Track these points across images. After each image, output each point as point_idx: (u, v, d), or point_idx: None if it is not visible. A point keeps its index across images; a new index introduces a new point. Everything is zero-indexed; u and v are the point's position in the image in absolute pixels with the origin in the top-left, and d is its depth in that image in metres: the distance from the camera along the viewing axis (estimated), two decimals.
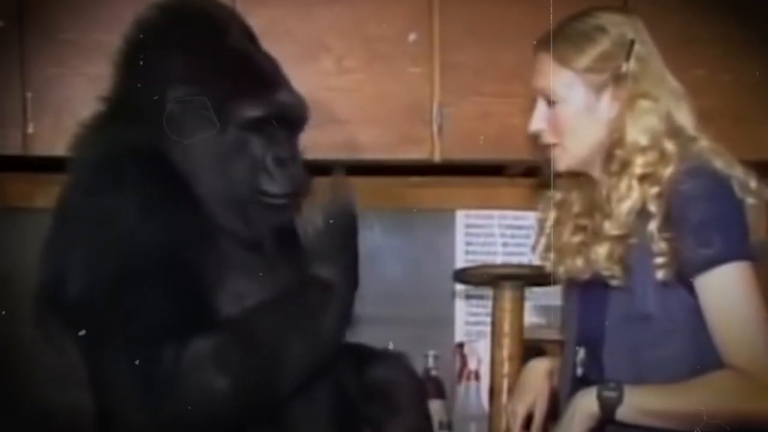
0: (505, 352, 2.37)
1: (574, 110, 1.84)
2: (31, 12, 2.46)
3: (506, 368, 2.36)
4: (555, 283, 2.61)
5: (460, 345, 2.83)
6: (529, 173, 2.82)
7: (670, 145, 1.79)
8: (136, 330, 1.57)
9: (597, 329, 1.84)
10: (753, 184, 1.80)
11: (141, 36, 1.80)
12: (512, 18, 2.54)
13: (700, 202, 1.72)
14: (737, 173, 1.79)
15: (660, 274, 1.75)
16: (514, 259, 2.83)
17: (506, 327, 2.39)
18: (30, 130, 2.45)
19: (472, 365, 2.76)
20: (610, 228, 1.79)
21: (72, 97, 2.44)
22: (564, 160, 1.88)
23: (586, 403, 1.77)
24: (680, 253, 1.72)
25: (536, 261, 2.04)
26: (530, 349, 2.53)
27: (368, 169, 2.54)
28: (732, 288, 1.72)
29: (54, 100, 2.46)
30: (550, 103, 1.86)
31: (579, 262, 1.85)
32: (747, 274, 1.72)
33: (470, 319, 2.87)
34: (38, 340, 1.74)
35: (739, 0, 2.64)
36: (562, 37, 1.84)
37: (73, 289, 1.63)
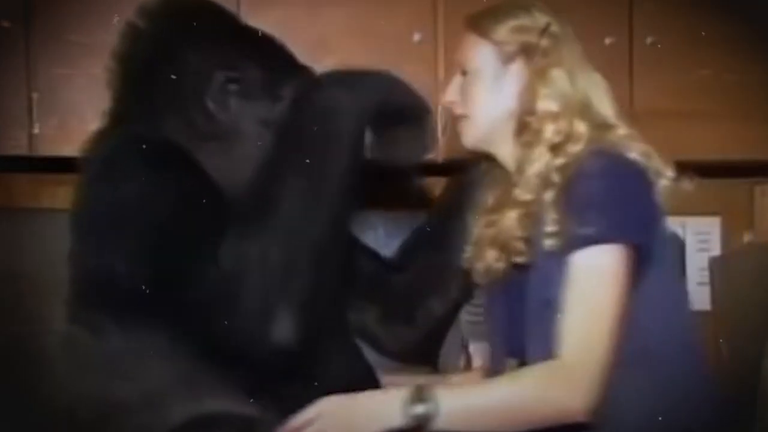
0: None
1: (483, 81, 1.84)
2: (37, 13, 2.47)
3: None
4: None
5: (465, 344, 2.83)
6: None
7: (581, 126, 1.76)
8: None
9: (521, 330, 1.75)
10: (669, 174, 1.78)
11: (147, 35, 1.82)
12: None
13: (591, 180, 1.67)
14: (653, 164, 1.77)
15: (548, 243, 1.68)
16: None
17: None
18: (36, 130, 2.46)
19: (476, 364, 2.76)
20: (519, 194, 1.76)
21: (78, 97, 2.45)
22: (470, 132, 1.88)
23: (387, 412, 1.63)
24: (565, 229, 1.67)
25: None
26: None
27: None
28: (594, 271, 1.63)
29: (60, 101, 2.47)
30: (464, 75, 1.88)
31: (493, 253, 1.82)
32: (619, 259, 1.64)
33: (475, 318, 2.86)
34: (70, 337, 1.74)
35: (744, 0, 2.64)
36: (487, 13, 1.86)
37: (129, 279, 1.64)
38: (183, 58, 1.80)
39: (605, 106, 1.82)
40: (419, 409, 1.61)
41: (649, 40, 2.63)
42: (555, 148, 1.75)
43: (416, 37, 2.53)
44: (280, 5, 2.48)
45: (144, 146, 1.72)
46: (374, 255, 2.06)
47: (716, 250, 2.96)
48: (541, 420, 1.62)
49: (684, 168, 2.78)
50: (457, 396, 1.64)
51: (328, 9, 2.50)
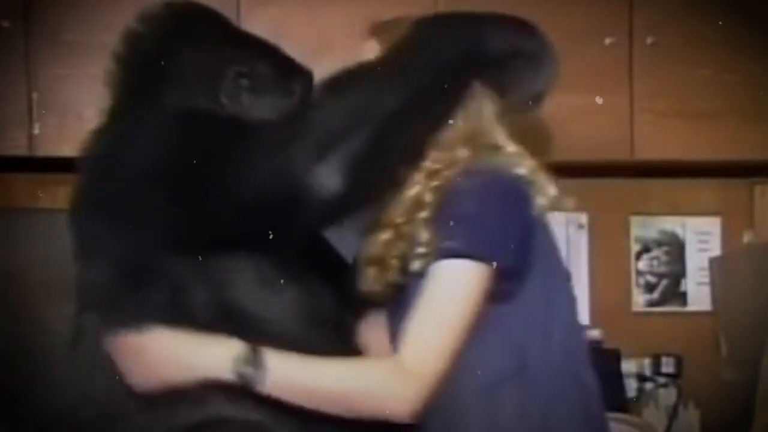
0: None
1: None
2: (37, 13, 2.47)
3: None
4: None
5: None
6: None
7: (464, 152, 1.73)
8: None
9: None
10: (552, 191, 1.73)
11: (151, 38, 1.83)
12: None
13: (462, 198, 1.65)
14: (538, 181, 1.72)
15: (417, 264, 1.68)
16: None
17: None
18: (35, 130, 2.46)
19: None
20: (392, 215, 1.74)
21: (77, 97, 2.45)
22: None
23: (215, 364, 1.61)
24: (433, 246, 1.65)
25: None
26: None
27: None
28: (449, 283, 1.62)
29: (59, 101, 2.47)
30: None
31: (372, 271, 1.78)
32: (477, 276, 1.62)
33: None
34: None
35: (744, 1, 2.64)
36: (392, 27, 1.83)
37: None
38: (190, 57, 1.81)
39: (494, 130, 1.77)
40: (246, 370, 1.60)
41: (649, 40, 2.63)
42: (432, 174, 1.73)
43: None
44: (279, 5, 2.48)
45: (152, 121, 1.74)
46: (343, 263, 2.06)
47: (716, 250, 2.97)
48: (364, 411, 1.62)
49: (684, 168, 2.81)
50: (289, 368, 1.62)
51: (327, 9, 2.50)
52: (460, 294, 1.63)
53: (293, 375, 1.62)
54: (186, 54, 1.81)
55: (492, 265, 1.63)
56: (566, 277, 1.76)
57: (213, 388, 1.63)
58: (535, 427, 1.67)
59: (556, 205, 1.74)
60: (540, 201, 1.71)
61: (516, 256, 1.65)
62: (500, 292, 1.65)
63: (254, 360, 1.60)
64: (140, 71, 1.84)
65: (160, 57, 1.82)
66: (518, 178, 1.70)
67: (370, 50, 1.83)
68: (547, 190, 1.73)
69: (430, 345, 1.62)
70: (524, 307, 1.68)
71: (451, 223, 1.64)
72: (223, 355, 1.61)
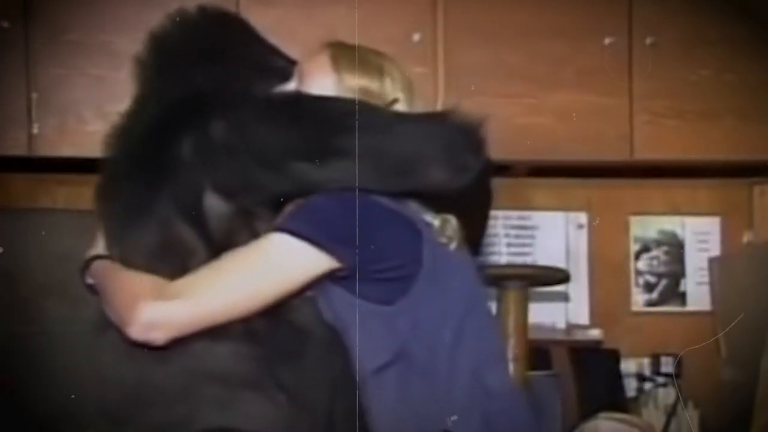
0: (510, 353, 2.37)
1: None
2: (36, 13, 2.47)
3: (511, 369, 2.36)
4: (560, 282, 2.62)
5: None
6: (534, 173, 2.83)
7: None
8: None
9: None
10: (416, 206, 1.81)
11: (186, 40, 1.86)
12: (516, 19, 2.54)
13: (319, 197, 1.72)
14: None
15: None
16: (519, 260, 2.83)
17: (510, 327, 2.39)
18: (35, 130, 2.46)
19: None
20: None
21: (77, 97, 2.45)
22: None
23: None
24: None
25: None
26: (535, 350, 2.53)
27: None
28: (258, 248, 1.70)
29: (59, 101, 2.47)
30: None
31: None
32: (291, 251, 1.69)
33: None
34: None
35: (743, 1, 2.64)
36: (347, 56, 1.87)
37: None
38: (235, 54, 1.84)
39: None
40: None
41: (649, 40, 2.63)
42: None
43: (416, 37, 2.53)
44: (279, 5, 2.48)
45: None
46: None
47: (716, 250, 2.97)
48: (115, 307, 1.71)
49: (683, 168, 2.81)
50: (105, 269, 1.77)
51: (327, 9, 2.50)
52: (264, 260, 1.70)
53: (106, 274, 1.76)
54: (233, 50, 1.84)
55: (321, 250, 1.68)
56: (468, 289, 1.80)
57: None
58: (422, 415, 1.73)
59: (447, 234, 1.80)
60: (430, 221, 1.77)
61: (359, 255, 1.69)
62: (380, 295, 1.71)
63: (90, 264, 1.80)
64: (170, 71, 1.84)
65: (207, 54, 1.84)
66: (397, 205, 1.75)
67: (322, 71, 1.85)
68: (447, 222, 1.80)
69: (203, 284, 1.68)
70: (410, 309, 1.73)
71: (298, 210, 1.71)
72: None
